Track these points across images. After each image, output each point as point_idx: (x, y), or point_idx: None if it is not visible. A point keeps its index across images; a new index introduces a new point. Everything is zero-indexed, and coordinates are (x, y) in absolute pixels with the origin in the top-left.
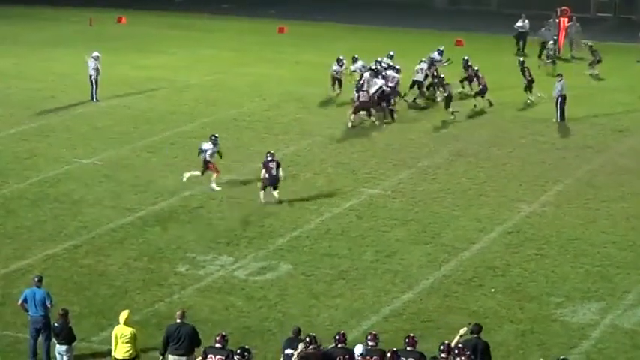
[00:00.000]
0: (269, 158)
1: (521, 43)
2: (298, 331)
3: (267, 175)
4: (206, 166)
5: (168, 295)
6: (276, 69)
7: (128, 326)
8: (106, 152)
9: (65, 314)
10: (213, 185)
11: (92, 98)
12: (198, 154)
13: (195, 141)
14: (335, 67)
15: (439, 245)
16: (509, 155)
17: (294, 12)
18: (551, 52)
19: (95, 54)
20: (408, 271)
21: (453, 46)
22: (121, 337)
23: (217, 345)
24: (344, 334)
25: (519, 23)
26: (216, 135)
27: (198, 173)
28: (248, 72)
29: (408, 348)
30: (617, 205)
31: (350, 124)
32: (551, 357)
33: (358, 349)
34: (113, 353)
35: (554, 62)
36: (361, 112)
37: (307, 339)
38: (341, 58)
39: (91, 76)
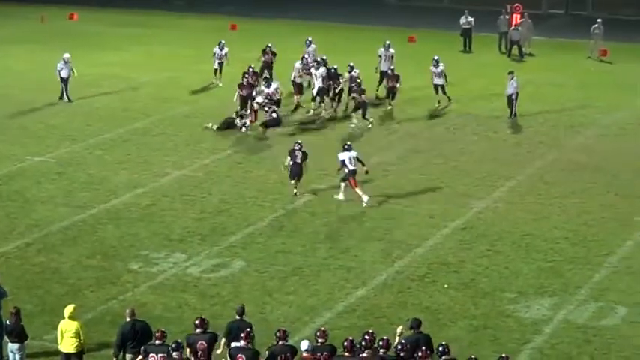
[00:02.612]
0: (296, 147)
1: (467, 40)
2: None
3: (291, 163)
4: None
5: (122, 292)
6: (228, 66)
7: (73, 320)
8: (59, 150)
9: (17, 312)
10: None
11: (62, 97)
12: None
13: (147, 138)
14: (216, 50)
15: (392, 241)
16: (461, 152)
17: (247, 9)
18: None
19: (66, 55)
20: (361, 268)
21: (406, 43)
22: (66, 331)
23: (157, 342)
24: (284, 331)
25: (463, 20)
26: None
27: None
28: (201, 69)
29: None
30: (569, 201)
31: None
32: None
33: (304, 345)
34: (59, 347)
35: None
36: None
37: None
38: (222, 42)
39: (62, 78)
